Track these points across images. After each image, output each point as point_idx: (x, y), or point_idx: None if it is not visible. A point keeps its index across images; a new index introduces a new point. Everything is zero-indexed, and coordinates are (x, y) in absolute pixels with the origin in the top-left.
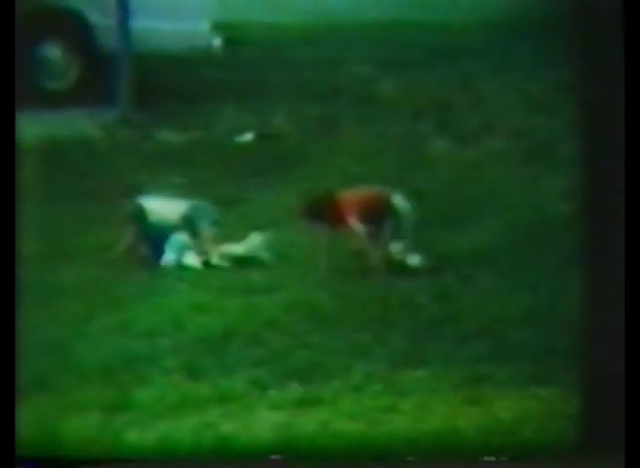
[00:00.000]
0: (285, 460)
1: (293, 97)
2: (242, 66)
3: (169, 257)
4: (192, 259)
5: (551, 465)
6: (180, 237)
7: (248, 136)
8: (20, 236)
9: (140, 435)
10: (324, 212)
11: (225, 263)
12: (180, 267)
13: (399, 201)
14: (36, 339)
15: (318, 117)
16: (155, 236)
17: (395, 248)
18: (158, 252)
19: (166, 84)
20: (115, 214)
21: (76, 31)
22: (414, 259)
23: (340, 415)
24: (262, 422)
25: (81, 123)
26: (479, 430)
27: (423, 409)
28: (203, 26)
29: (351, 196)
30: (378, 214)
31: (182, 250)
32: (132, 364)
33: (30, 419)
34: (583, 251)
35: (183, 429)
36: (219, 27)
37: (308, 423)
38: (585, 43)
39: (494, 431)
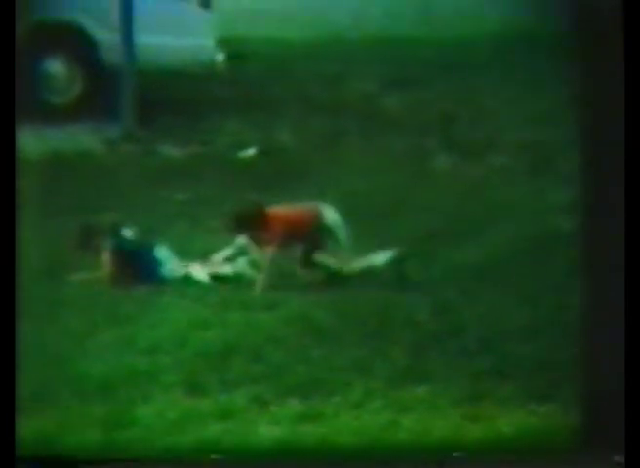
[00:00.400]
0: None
1: (296, 112)
2: (245, 81)
3: (151, 272)
4: (176, 273)
5: (551, 465)
6: (163, 251)
7: (251, 152)
8: (22, 250)
9: (141, 451)
10: (252, 225)
11: (208, 279)
12: (182, 283)
13: (330, 214)
14: (37, 353)
15: (322, 132)
16: (132, 251)
17: (330, 260)
18: (138, 267)
19: (169, 99)
20: None
21: (79, 46)
22: (353, 267)
23: (340, 431)
24: (263, 438)
25: (84, 138)
26: (481, 446)
27: (424, 425)
28: (206, 42)
29: (280, 212)
30: (306, 229)
31: (166, 263)
32: (133, 379)
33: (30, 435)
34: (585, 265)
35: (184, 445)
36: (222, 42)
37: (309, 439)
38: (586, 47)
39: (496, 447)
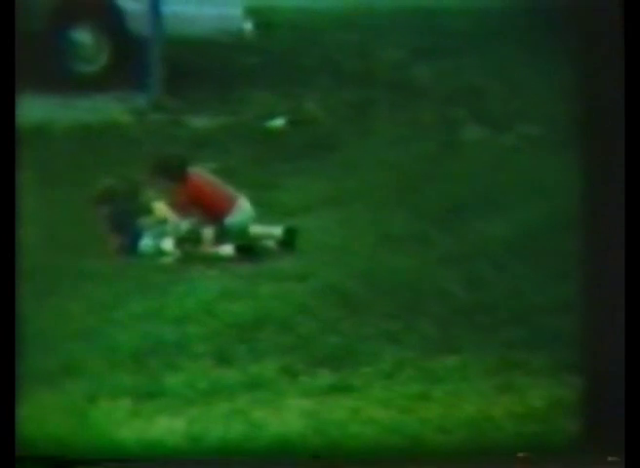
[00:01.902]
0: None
1: (325, 83)
2: (274, 51)
3: (146, 243)
4: (170, 245)
5: (551, 465)
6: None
7: (280, 122)
8: (47, 223)
9: (170, 421)
10: (171, 177)
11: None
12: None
13: (243, 203)
14: (66, 326)
15: (351, 102)
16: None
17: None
18: (133, 237)
19: (197, 69)
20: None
21: (107, 15)
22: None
23: (370, 403)
24: (292, 409)
25: (111, 107)
26: (511, 418)
27: (455, 396)
28: (234, 10)
29: (200, 179)
30: (214, 212)
31: (160, 235)
32: (162, 350)
33: (60, 405)
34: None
35: (213, 415)
36: (250, 11)
37: (338, 410)
38: (585, 43)
39: (526, 419)
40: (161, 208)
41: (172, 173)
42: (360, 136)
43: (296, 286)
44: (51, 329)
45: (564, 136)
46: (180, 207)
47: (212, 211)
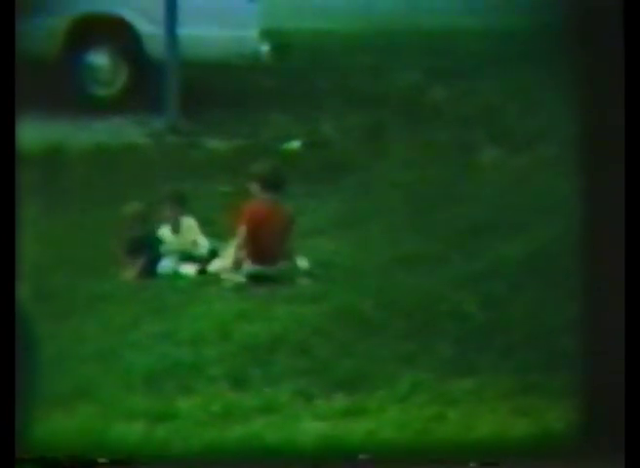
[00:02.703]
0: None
1: (340, 104)
2: (290, 73)
3: (165, 265)
4: (189, 269)
5: (551, 465)
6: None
7: (295, 144)
8: (64, 244)
9: (184, 444)
10: (268, 187)
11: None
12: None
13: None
14: (82, 347)
15: (366, 124)
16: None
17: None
18: (151, 260)
19: (213, 91)
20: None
21: (124, 39)
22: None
23: (386, 425)
24: (308, 433)
25: (128, 130)
26: (529, 440)
27: (471, 418)
28: (251, 33)
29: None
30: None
31: (180, 258)
32: (176, 372)
33: (75, 427)
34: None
35: (228, 439)
36: (266, 34)
37: (354, 433)
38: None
39: (544, 441)
40: (191, 225)
41: (272, 183)
42: (375, 157)
43: (311, 308)
44: (66, 351)
45: (580, 157)
46: (238, 220)
47: (258, 243)
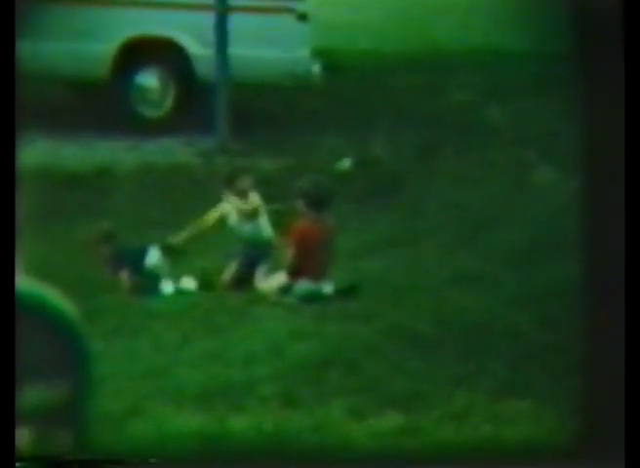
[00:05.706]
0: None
1: (392, 124)
2: (341, 93)
3: (166, 285)
4: (190, 283)
5: (551, 465)
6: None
7: (346, 164)
8: None
9: (236, 463)
10: (312, 205)
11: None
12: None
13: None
14: (133, 365)
15: (418, 144)
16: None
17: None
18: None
19: (263, 111)
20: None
21: (173, 60)
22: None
23: (440, 445)
24: (360, 452)
25: (178, 150)
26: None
27: (526, 439)
28: (302, 53)
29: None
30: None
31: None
32: (228, 391)
33: (127, 446)
34: None
35: (280, 457)
36: (317, 54)
37: (407, 452)
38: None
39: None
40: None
41: (316, 199)
42: (427, 176)
43: (362, 326)
44: (118, 369)
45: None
46: (287, 240)
47: (307, 262)
